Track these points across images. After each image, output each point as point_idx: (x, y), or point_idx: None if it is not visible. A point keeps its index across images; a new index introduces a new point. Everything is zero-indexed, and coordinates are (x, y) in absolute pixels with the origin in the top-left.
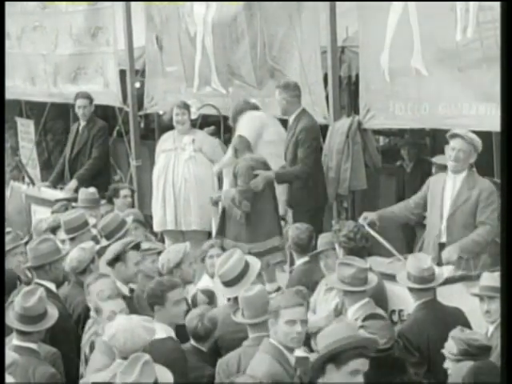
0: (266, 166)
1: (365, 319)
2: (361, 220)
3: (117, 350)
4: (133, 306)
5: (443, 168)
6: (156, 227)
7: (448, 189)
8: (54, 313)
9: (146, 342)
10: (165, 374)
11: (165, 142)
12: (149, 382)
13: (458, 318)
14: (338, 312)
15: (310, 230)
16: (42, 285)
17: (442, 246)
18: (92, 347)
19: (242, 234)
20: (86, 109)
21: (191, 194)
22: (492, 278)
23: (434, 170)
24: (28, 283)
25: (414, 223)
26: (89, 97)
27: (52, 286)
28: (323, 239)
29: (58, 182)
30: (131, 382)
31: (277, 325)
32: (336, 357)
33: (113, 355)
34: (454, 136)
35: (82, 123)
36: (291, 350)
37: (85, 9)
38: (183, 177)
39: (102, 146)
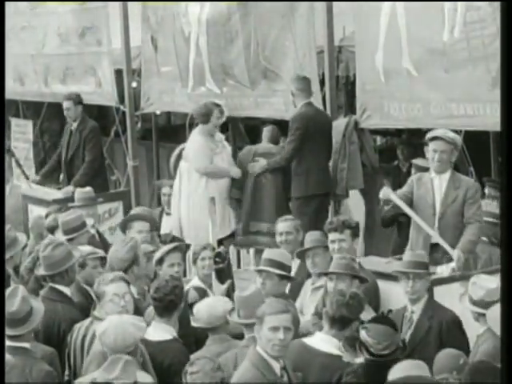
0: (269, 156)
1: (368, 321)
2: (384, 192)
3: (107, 347)
4: (140, 307)
5: (423, 170)
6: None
7: (437, 189)
8: (39, 307)
9: (137, 339)
10: (145, 379)
11: (207, 143)
12: (129, 382)
13: None
14: (320, 314)
15: (298, 223)
16: (57, 289)
17: (432, 247)
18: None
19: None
20: (71, 111)
21: None
22: None
23: (413, 171)
24: (26, 283)
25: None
26: (72, 98)
27: (66, 291)
28: (311, 237)
29: (47, 177)
30: (112, 377)
31: (261, 331)
32: None
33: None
34: (434, 138)
35: (74, 124)
36: (275, 357)
37: (74, 9)
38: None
39: (94, 148)
